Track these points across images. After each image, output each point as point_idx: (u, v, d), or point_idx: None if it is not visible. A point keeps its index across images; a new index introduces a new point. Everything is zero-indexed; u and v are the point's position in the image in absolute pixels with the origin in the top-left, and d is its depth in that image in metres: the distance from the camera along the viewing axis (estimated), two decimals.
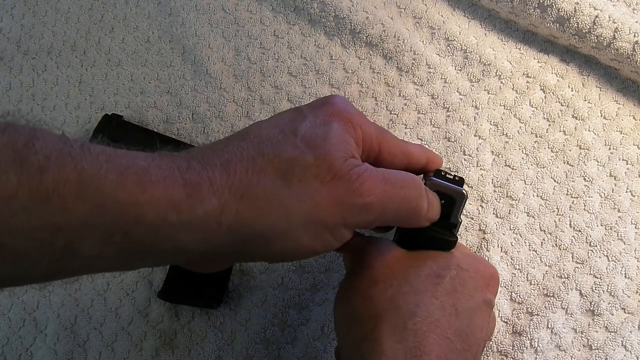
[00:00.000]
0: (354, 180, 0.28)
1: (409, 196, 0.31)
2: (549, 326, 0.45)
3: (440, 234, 0.36)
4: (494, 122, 0.51)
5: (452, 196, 0.36)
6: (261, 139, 0.29)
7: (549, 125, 0.51)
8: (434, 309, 0.32)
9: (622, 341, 0.44)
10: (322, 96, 0.53)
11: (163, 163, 0.26)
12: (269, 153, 0.28)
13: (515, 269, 0.47)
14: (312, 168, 0.28)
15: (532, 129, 0.51)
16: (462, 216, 0.37)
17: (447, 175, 0.37)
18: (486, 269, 0.37)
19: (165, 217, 0.24)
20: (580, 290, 0.45)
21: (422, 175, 0.39)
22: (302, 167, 0.27)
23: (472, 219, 0.48)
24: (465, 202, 0.37)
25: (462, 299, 0.33)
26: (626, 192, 0.48)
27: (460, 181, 0.37)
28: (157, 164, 0.25)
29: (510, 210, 0.48)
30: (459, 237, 0.38)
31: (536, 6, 0.50)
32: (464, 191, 0.36)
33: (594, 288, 0.45)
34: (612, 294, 0.45)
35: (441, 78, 0.53)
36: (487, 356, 0.44)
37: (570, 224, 0.48)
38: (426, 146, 0.51)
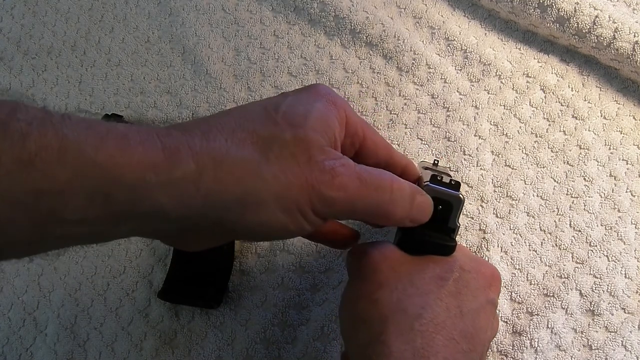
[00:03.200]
0: (327, 171, 0.28)
1: (380, 200, 0.30)
2: (549, 326, 0.45)
3: (439, 239, 0.36)
4: (494, 122, 0.52)
5: (449, 201, 0.36)
6: (243, 114, 0.29)
7: (549, 125, 0.51)
8: (440, 311, 0.32)
9: (622, 341, 0.44)
10: None
11: (142, 130, 0.26)
12: (249, 127, 0.28)
13: (515, 268, 0.47)
14: (289, 146, 0.28)
15: (532, 129, 0.51)
16: (460, 219, 0.37)
17: (444, 180, 0.37)
18: (488, 269, 0.37)
19: (144, 178, 0.24)
20: (580, 290, 0.45)
21: (421, 178, 0.39)
22: (279, 144, 0.28)
23: (472, 218, 0.48)
24: (463, 206, 0.37)
25: (466, 300, 0.34)
26: (626, 192, 0.48)
27: (457, 185, 0.37)
28: (136, 129, 0.26)
29: (510, 210, 0.48)
30: (459, 237, 0.38)
31: (536, 6, 0.50)
32: (460, 195, 0.36)
33: (594, 288, 0.45)
34: (612, 294, 0.45)
35: (441, 78, 0.53)
36: (487, 356, 0.44)
37: (570, 224, 0.48)
38: (426, 146, 0.52)
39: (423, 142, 0.52)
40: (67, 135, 0.23)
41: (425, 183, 0.36)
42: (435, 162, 0.44)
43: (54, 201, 0.23)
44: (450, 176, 0.38)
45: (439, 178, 0.37)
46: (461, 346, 0.32)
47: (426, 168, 0.42)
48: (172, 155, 0.25)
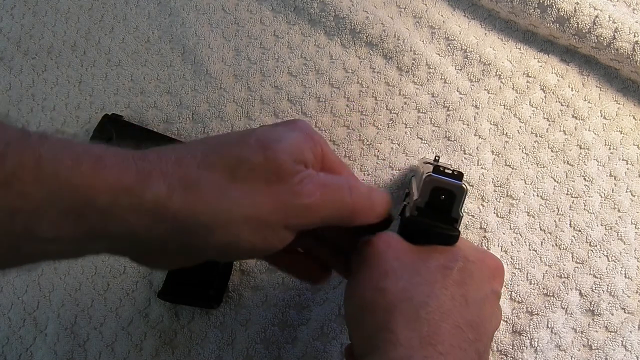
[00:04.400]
0: (296, 184, 0.30)
1: (343, 200, 0.32)
2: (549, 326, 0.45)
3: (442, 229, 0.36)
4: (494, 122, 0.52)
5: (452, 191, 0.36)
6: (219, 140, 0.31)
7: (549, 125, 0.51)
8: (445, 300, 0.32)
9: (622, 341, 0.44)
10: (322, 96, 0.54)
11: (119, 152, 0.27)
12: (221, 152, 0.29)
13: (515, 268, 0.47)
14: (259, 168, 0.29)
15: (532, 128, 0.51)
16: (463, 211, 0.37)
17: (446, 170, 0.37)
18: (492, 261, 0.38)
19: (117, 200, 0.25)
20: (580, 290, 0.45)
21: (423, 172, 0.39)
22: (249, 166, 0.29)
23: (473, 217, 0.48)
24: (466, 196, 0.37)
25: (470, 289, 0.34)
26: (626, 192, 0.48)
27: (460, 175, 0.37)
28: (112, 152, 0.27)
29: (510, 209, 0.48)
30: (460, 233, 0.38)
31: (536, 6, 0.50)
32: (463, 185, 0.36)
33: (594, 288, 0.45)
34: (612, 294, 0.45)
35: (441, 78, 0.53)
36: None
37: (570, 224, 0.48)
38: (426, 145, 0.52)
39: (423, 141, 0.52)
40: (43, 156, 0.24)
41: (428, 173, 0.36)
42: (437, 158, 0.44)
43: (28, 220, 0.24)
44: (451, 169, 0.38)
45: (441, 169, 0.37)
46: (467, 335, 0.32)
47: (427, 163, 0.42)
48: (145, 178, 0.26)
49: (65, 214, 0.24)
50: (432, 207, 0.36)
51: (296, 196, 0.29)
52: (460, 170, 0.37)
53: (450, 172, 0.37)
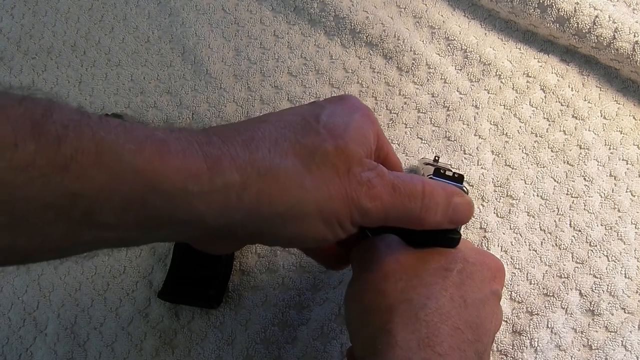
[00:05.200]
0: (364, 183, 0.29)
1: (412, 208, 0.31)
2: (549, 326, 0.45)
3: (444, 232, 0.36)
4: (494, 122, 0.52)
5: None
6: (283, 123, 0.29)
7: (549, 125, 0.51)
8: (444, 301, 0.32)
9: (622, 341, 0.44)
10: (322, 96, 0.54)
11: (182, 136, 0.26)
12: (291, 137, 0.28)
13: (515, 268, 0.47)
14: (330, 157, 0.28)
15: (532, 128, 0.51)
16: None
17: (447, 173, 0.37)
18: (492, 261, 0.38)
19: (185, 187, 0.24)
20: (580, 290, 0.45)
21: (422, 172, 0.39)
22: (322, 154, 0.28)
23: (473, 217, 0.48)
24: None
25: (470, 291, 0.34)
26: (626, 192, 0.48)
27: (460, 178, 0.37)
28: (175, 136, 0.25)
29: (510, 209, 0.48)
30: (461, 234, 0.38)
31: (536, 6, 0.50)
32: (464, 188, 0.36)
33: (594, 288, 0.45)
34: (612, 294, 0.45)
35: (441, 78, 0.53)
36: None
37: (570, 224, 0.48)
38: (426, 145, 0.52)
39: (423, 141, 0.52)
40: (104, 139, 0.23)
41: (429, 176, 0.37)
42: (436, 158, 0.44)
43: (89, 204, 0.23)
44: (451, 171, 0.38)
45: (442, 171, 0.37)
46: (466, 336, 0.32)
47: (427, 164, 0.42)
48: (214, 165, 0.25)
49: (128, 200, 0.23)
50: None
51: (362, 196, 0.29)
52: (460, 173, 0.37)
53: (450, 174, 0.37)
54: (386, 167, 0.33)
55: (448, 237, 0.36)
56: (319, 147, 0.28)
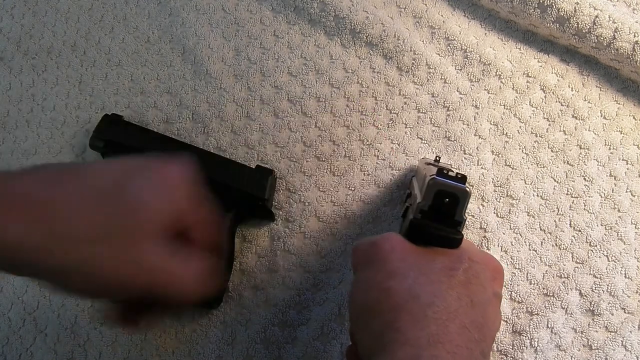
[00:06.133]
0: (135, 261, 0.33)
1: (158, 284, 0.35)
2: (549, 326, 0.45)
3: (446, 232, 0.36)
4: (494, 122, 0.52)
5: (455, 194, 0.36)
6: (87, 188, 0.33)
7: (549, 125, 0.51)
8: (451, 300, 0.32)
9: (622, 341, 0.44)
10: (322, 96, 0.53)
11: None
12: (93, 206, 0.32)
13: (515, 268, 0.47)
14: (120, 229, 0.32)
15: (532, 128, 0.51)
16: (465, 214, 0.37)
17: (450, 174, 0.37)
18: (493, 262, 0.38)
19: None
20: (580, 290, 0.45)
21: (424, 172, 0.39)
22: (113, 224, 0.32)
23: (473, 217, 0.48)
24: (469, 199, 0.37)
25: (476, 290, 0.34)
26: (626, 192, 0.48)
27: (463, 178, 0.36)
28: None
29: (510, 209, 0.48)
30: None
31: (536, 6, 0.50)
32: (467, 189, 0.36)
33: (594, 288, 0.45)
34: (612, 294, 0.45)
35: (441, 78, 0.53)
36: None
37: (570, 224, 0.48)
38: (426, 145, 0.52)
39: (423, 141, 0.52)
40: None
41: (432, 176, 0.36)
42: (437, 158, 0.43)
43: None
44: (454, 171, 0.38)
45: (445, 171, 0.36)
46: (473, 335, 0.32)
47: (428, 164, 0.42)
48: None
49: None
50: (436, 210, 0.36)
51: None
52: (463, 173, 0.37)
53: (453, 174, 0.37)
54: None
55: (450, 238, 0.36)
56: (110, 218, 0.32)
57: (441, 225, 0.36)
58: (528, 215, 0.48)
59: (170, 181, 0.34)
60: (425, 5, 0.56)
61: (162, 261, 0.33)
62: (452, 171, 0.37)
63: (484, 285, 0.35)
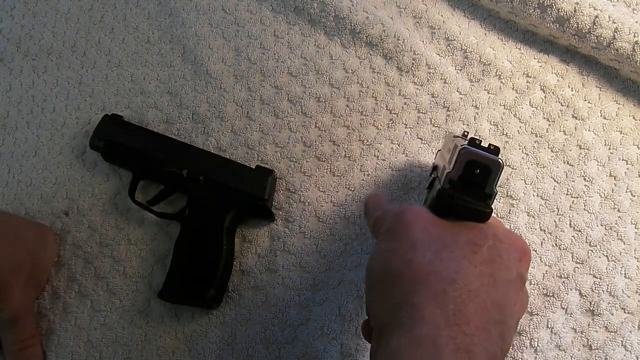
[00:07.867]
0: None
1: None
2: (549, 326, 0.45)
3: (475, 204, 0.34)
4: (494, 122, 0.52)
5: (487, 165, 0.34)
6: None
7: (549, 125, 0.51)
8: (473, 278, 0.31)
9: (622, 341, 0.44)
10: (322, 96, 0.53)
11: None
12: None
13: None
14: None
15: (532, 128, 0.51)
16: (497, 187, 0.35)
17: (482, 144, 0.35)
18: (520, 243, 0.36)
19: None
20: (580, 290, 0.45)
21: (454, 143, 0.37)
22: None
23: None
24: (502, 172, 0.35)
25: (499, 269, 0.32)
26: (626, 192, 0.48)
27: (496, 150, 0.34)
28: None
29: (510, 209, 0.48)
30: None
31: (536, 6, 0.50)
32: (500, 160, 0.34)
33: (593, 288, 0.45)
34: (612, 294, 0.45)
35: (441, 78, 0.53)
36: None
37: (570, 224, 0.48)
38: (426, 145, 0.52)
39: (423, 141, 0.52)
40: None
41: (463, 145, 0.34)
42: (465, 133, 0.41)
43: None
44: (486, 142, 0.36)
45: (477, 141, 0.35)
46: (493, 315, 0.31)
47: (456, 137, 0.40)
48: None
49: None
50: (465, 181, 0.34)
51: None
52: (496, 145, 0.34)
53: (486, 145, 0.34)
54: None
55: (479, 211, 0.34)
56: None
57: (470, 197, 0.34)
58: (528, 215, 0.48)
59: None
60: (425, 5, 0.56)
61: None
62: (485, 141, 0.35)
63: (508, 265, 0.33)
